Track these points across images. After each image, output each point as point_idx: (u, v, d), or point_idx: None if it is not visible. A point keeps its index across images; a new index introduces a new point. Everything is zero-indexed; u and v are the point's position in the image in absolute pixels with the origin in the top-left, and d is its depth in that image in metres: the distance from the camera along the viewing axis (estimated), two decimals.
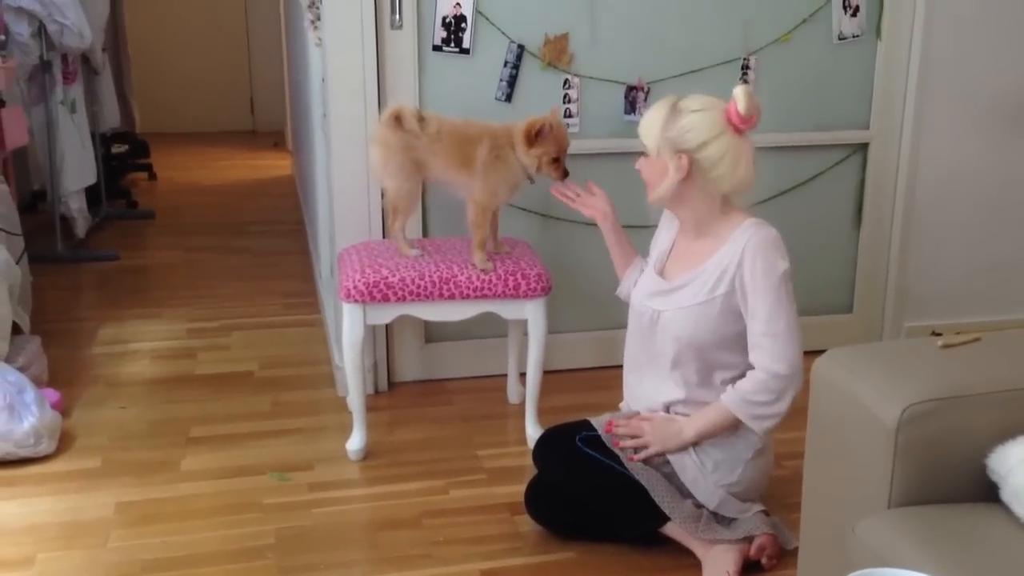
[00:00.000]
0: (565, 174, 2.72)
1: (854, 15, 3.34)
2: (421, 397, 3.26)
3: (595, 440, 2.36)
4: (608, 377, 3.32)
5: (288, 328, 3.92)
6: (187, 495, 2.62)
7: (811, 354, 1.94)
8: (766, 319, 2.21)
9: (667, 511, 2.28)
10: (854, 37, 3.37)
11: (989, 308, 3.62)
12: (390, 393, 3.28)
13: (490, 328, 3.33)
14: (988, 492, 1.51)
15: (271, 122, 8.57)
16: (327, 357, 3.57)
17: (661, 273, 2.42)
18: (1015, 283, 3.65)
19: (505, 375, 3.27)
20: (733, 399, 2.26)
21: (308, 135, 4.60)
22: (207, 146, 8.03)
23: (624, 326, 2.59)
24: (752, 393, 2.23)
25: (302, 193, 5.71)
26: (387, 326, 3.24)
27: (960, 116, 3.48)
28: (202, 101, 8.59)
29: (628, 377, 2.52)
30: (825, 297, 3.60)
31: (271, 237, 5.38)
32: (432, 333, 3.37)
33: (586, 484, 2.35)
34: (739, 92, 2.25)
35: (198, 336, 3.81)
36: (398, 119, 2.72)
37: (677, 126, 2.23)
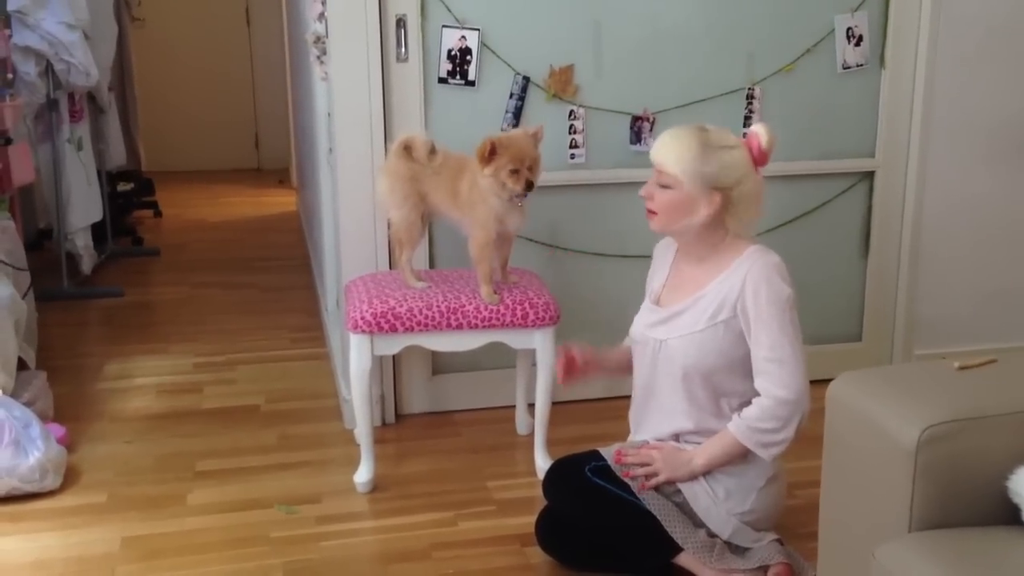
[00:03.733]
0: (528, 185, 2.60)
1: (858, 44, 3.36)
2: (429, 429, 3.24)
3: (605, 470, 2.34)
4: (616, 407, 3.29)
5: (294, 362, 3.91)
6: (194, 529, 2.60)
7: (822, 383, 1.92)
8: (771, 346, 2.20)
9: (680, 541, 2.25)
10: (858, 66, 3.38)
11: (999, 335, 3.60)
12: (397, 425, 3.25)
13: (497, 359, 3.32)
14: (1009, 515, 1.49)
15: (276, 159, 8.61)
16: (334, 390, 3.55)
17: (658, 302, 2.42)
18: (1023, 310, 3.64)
19: (513, 406, 3.25)
20: (739, 427, 2.24)
21: (314, 170, 4.62)
22: (212, 184, 8.07)
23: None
24: (758, 420, 2.21)
25: (307, 228, 5.72)
26: (394, 358, 3.24)
27: (965, 145, 3.48)
28: (207, 139, 8.64)
29: (635, 408, 2.50)
30: (834, 326, 3.59)
31: (276, 272, 5.38)
32: (439, 365, 3.35)
33: (597, 515, 2.32)
34: (761, 129, 2.29)
35: (204, 371, 3.80)
36: (408, 148, 2.73)
37: (716, 162, 2.23)
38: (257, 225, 6.66)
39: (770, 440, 2.21)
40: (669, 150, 2.26)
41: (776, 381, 2.20)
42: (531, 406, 3.14)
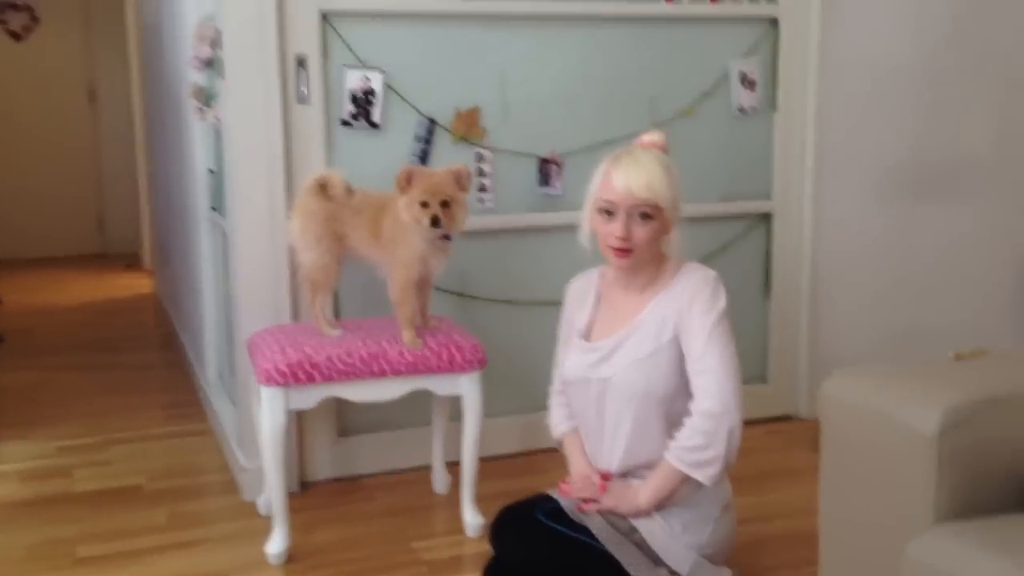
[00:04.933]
0: (434, 220, 2.47)
1: (751, 89, 3.42)
2: (338, 495, 2.99)
3: (557, 512, 2.17)
4: (538, 462, 3.17)
5: (174, 439, 3.57)
6: None
7: None
8: (699, 357, 2.12)
9: None
10: (752, 110, 3.44)
11: None
12: (303, 494, 2.98)
13: (409, 417, 3.12)
14: None
15: (123, 242, 8.12)
16: (223, 465, 3.25)
17: (588, 339, 2.30)
18: (924, 345, 3.71)
19: (426, 466, 3.04)
20: (672, 451, 2.13)
21: (186, 239, 4.34)
22: (53, 270, 7.52)
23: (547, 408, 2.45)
24: (686, 439, 2.10)
25: (172, 307, 5.36)
26: (298, 420, 2.98)
27: (859, 185, 3.58)
28: (46, 224, 8.08)
29: (588, 446, 2.35)
30: (740, 368, 3.55)
31: (139, 352, 4.99)
32: (346, 426, 3.12)
33: (553, 560, 2.14)
34: (655, 135, 2.25)
35: (71, 454, 3.41)
36: (323, 187, 2.55)
37: (677, 180, 2.17)
38: (110, 307, 6.20)
39: (701, 459, 2.09)
40: (655, 181, 2.12)
41: (702, 392, 2.11)
42: (450, 464, 2.96)
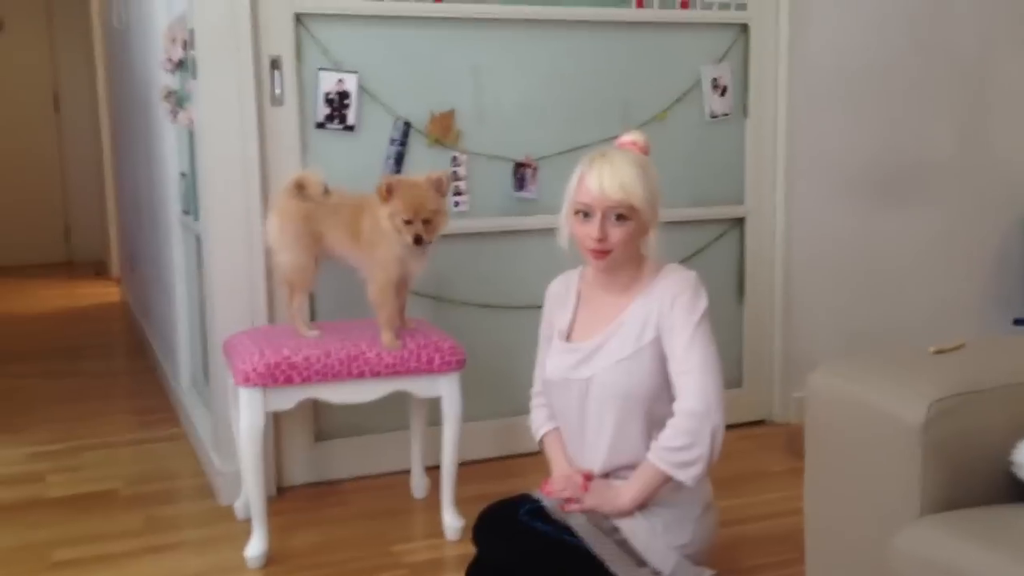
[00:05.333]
0: (416, 238, 2.47)
1: (723, 94, 3.46)
2: (315, 500, 2.97)
3: (540, 512, 2.18)
4: (515, 466, 3.17)
5: (147, 444, 3.53)
6: None
7: None
8: (681, 358, 2.14)
9: None
10: (724, 115, 3.48)
11: None
12: (279, 498, 2.96)
13: (385, 421, 3.12)
14: (1013, 492, 1.45)
15: (89, 251, 8.04)
16: (198, 469, 3.22)
17: (568, 339, 2.32)
18: (895, 346, 3.77)
19: (404, 471, 3.03)
20: (654, 452, 2.14)
21: (156, 244, 4.31)
22: (20, 278, 7.41)
23: (526, 411, 2.46)
24: (669, 439, 2.11)
25: (141, 314, 5.31)
26: (275, 424, 2.97)
27: (829, 189, 3.63)
28: (10, 232, 7.97)
29: (570, 447, 2.35)
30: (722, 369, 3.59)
31: (106, 359, 4.94)
32: (322, 430, 3.11)
33: (536, 560, 2.13)
34: (636, 135, 2.27)
35: (42, 460, 3.37)
36: (300, 186, 2.55)
37: (654, 180, 2.18)
38: (76, 315, 6.14)
39: (684, 459, 2.10)
40: (629, 181, 2.12)
41: (684, 393, 2.12)
42: (427, 469, 2.95)
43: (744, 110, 3.51)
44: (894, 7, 3.63)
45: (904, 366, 1.57)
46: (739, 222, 3.58)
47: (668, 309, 2.17)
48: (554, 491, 2.21)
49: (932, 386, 1.45)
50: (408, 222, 2.46)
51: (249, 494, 2.55)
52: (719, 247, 3.57)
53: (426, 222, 2.47)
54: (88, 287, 7.09)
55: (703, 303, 2.20)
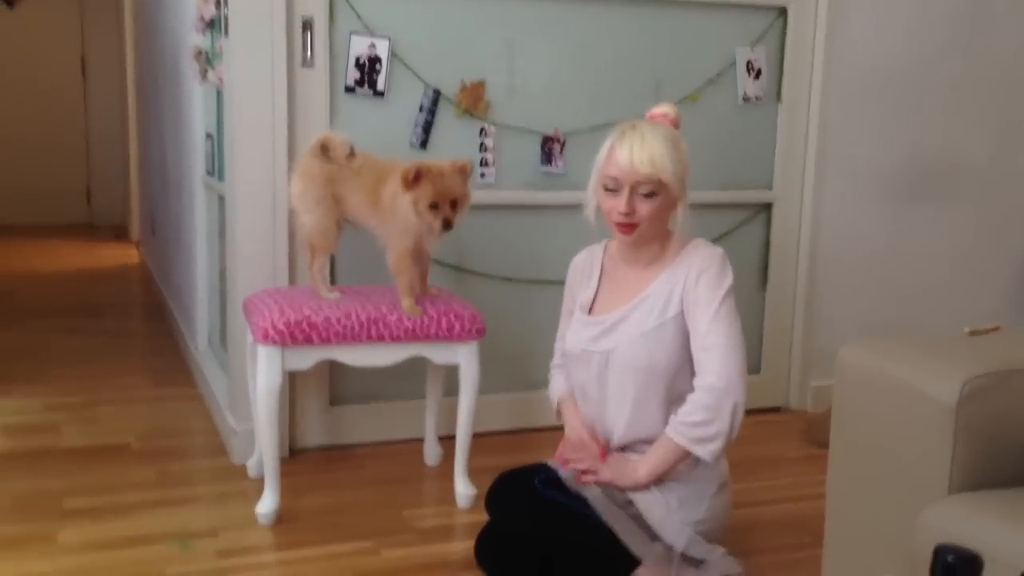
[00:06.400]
0: (446, 224, 2.45)
1: (757, 78, 3.42)
2: (328, 463, 2.97)
3: (555, 481, 2.17)
4: (529, 440, 3.16)
5: (162, 402, 3.54)
6: (71, 568, 2.24)
7: None
8: (704, 333, 2.12)
9: (638, 553, 2.10)
10: (757, 99, 3.44)
11: None
12: (292, 460, 2.96)
13: (401, 389, 3.11)
14: None
15: (110, 214, 8.08)
16: (213, 428, 3.23)
17: (590, 313, 2.30)
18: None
19: (418, 439, 3.02)
20: (673, 426, 2.12)
21: (179, 205, 4.31)
22: (41, 238, 7.45)
23: (542, 386, 2.46)
24: (689, 414, 2.09)
25: (160, 277, 5.33)
26: (290, 386, 2.97)
27: (857, 182, 3.58)
28: (34, 193, 8.01)
29: (589, 420, 2.33)
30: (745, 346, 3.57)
31: (126, 319, 4.97)
32: (337, 395, 3.10)
33: (549, 529, 2.14)
34: (667, 107, 2.27)
35: (58, 411, 3.38)
36: (325, 148, 2.53)
37: (684, 156, 2.17)
38: (98, 275, 6.16)
39: (703, 435, 2.08)
40: (659, 156, 2.10)
41: (705, 368, 2.10)
42: (441, 439, 2.95)
43: (778, 95, 3.48)
44: (934, 5, 3.57)
45: (938, 345, 1.55)
46: (766, 208, 3.55)
47: (693, 284, 2.15)
48: (570, 460, 2.20)
49: (966, 365, 1.43)
50: (435, 206, 2.43)
51: (263, 452, 2.54)
52: (744, 232, 3.53)
53: (452, 205, 2.45)
54: (108, 249, 7.12)
55: (729, 280, 2.18)
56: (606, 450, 2.22)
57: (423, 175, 2.41)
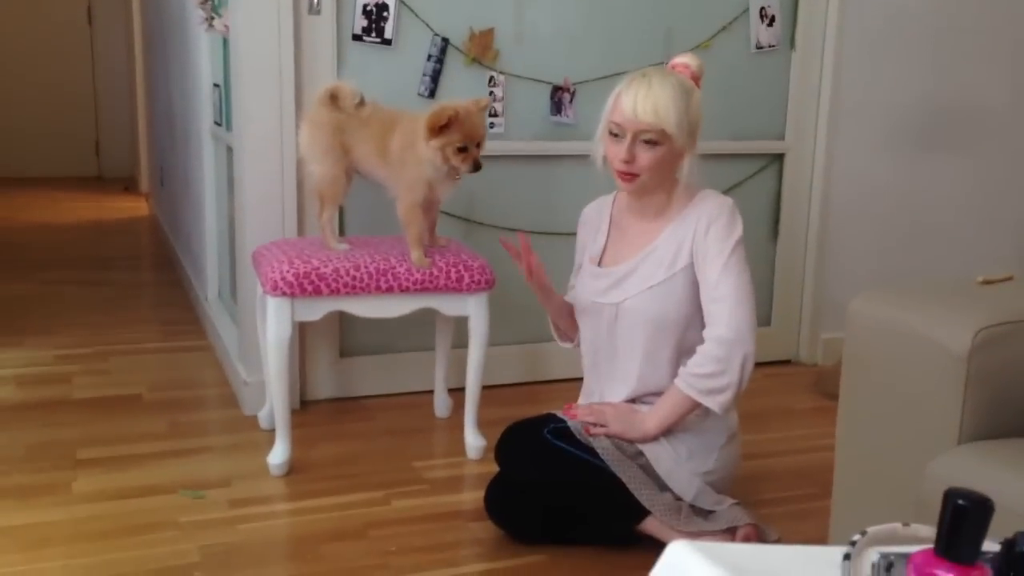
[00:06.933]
0: (476, 165, 2.43)
1: (770, 25, 3.37)
2: (339, 414, 2.98)
3: (564, 432, 2.17)
4: (536, 392, 3.17)
5: (173, 353, 3.55)
6: (85, 516, 2.26)
7: None
8: (714, 284, 2.11)
9: (646, 504, 2.11)
10: (770, 47, 3.39)
11: None
12: (303, 411, 2.97)
13: (410, 341, 3.11)
14: None
15: (119, 167, 8.06)
16: (223, 379, 3.24)
17: (599, 265, 2.28)
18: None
19: (427, 391, 3.03)
20: (683, 377, 2.12)
21: (187, 156, 4.29)
22: (50, 190, 7.44)
23: (552, 337, 2.45)
24: (698, 365, 2.09)
25: (170, 229, 5.32)
26: (300, 338, 2.97)
27: (873, 131, 3.54)
28: (42, 145, 7.99)
29: (589, 378, 2.34)
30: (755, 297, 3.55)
31: (135, 271, 4.98)
32: (347, 347, 3.10)
33: (558, 479, 2.14)
34: (688, 58, 2.23)
35: (70, 362, 3.39)
36: (334, 97, 2.50)
37: (695, 107, 2.14)
38: (106, 228, 6.16)
39: (713, 386, 2.08)
40: (663, 106, 2.07)
41: (715, 320, 2.09)
42: (450, 391, 2.95)
43: (791, 43, 3.42)
44: None
45: (950, 294, 1.54)
46: (778, 158, 3.51)
47: (703, 235, 2.13)
48: (579, 414, 2.20)
49: (978, 314, 1.41)
50: (463, 149, 2.41)
51: (274, 403, 2.55)
52: (756, 183, 3.50)
53: (477, 145, 2.43)
54: (117, 201, 7.12)
55: (738, 230, 2.16)
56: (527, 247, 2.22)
57: (455, 120, 2.38)
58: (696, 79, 2.22)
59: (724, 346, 2.07)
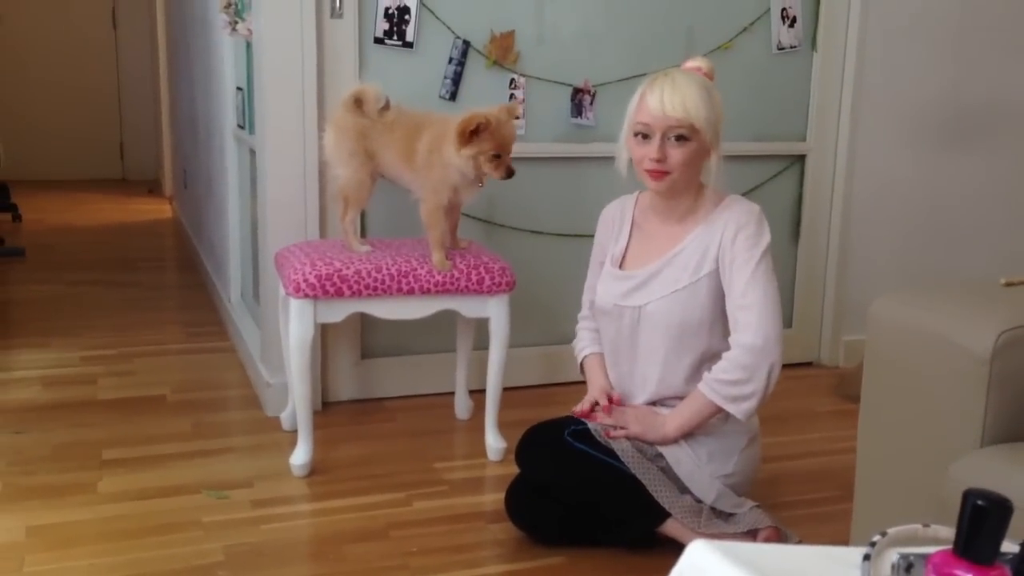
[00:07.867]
0: (509, 173, 2.44)
1: (792, 26, 3.36)
2: (359, 415, 3.00)
3: (585, 434, 2.17)
4: (557, 394, 3.17)
5: (196, 355, 3.58)
6: (111, 516, 2.28)
7: None
8: (741, 292, 2.10)
9: (667, 506, 2.11)
10: (792, 48, 3.38)
11: None
12: (324, 412, 2.99)
13: (431, 343, 3.13)
14: None
15: (143, 170, 8.14)
16: (246, 381, 3.27)
17: (621, 267, 2.28)
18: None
19: (448, 392, 3.04)
20: (707, 383, 2.11)
21: (210, 159, 4.33)
22: (75, 192, 7.52)
23: (573, 339, 2.45)
24: (724, 372, 2.09)
25: (193, 231, 5.37)
26: (323, 339, 2.99)
27: (896, 131, 3.52)
28: (67, 147, 8.06)
29: (618, 377, 2.33)
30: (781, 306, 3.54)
31: (159, 272, 5.02)
32: (368, 348, 3.12)
33: (579, 481, 2.15)
34: (700, 61, 2.23)
35: (95, 363, 3.43)
36: (358, 101, 2.52)
37: (718, 104, 2.14)
38: (131, 229, 6.21)
39: (738, 393, 2.08)
40: (691, 101, 2.07)
41: (743, 327, 2.09)
42: (472, 392, 2.96)
43: (813, 43, 3.41)
44: None
45: (972, 296, 1.53)
46: (800, 160, 3.50)
47: (730, 241, 2.12)
48: (597, 417, 2.20)
49: (1001, 316, 1.41)
50: (497, 157, 2.42)
51: (296, 404, 2.57)
52: (777, 184, 3.49)
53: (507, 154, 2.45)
54: (141, 204, 7.18)
55: (766, 237, 2.15)
56: (618, 401, 2.22)
57: (485, 127, 2.39)
58: (710, 79, 2.22)
59: (752, 354, 2.06)
